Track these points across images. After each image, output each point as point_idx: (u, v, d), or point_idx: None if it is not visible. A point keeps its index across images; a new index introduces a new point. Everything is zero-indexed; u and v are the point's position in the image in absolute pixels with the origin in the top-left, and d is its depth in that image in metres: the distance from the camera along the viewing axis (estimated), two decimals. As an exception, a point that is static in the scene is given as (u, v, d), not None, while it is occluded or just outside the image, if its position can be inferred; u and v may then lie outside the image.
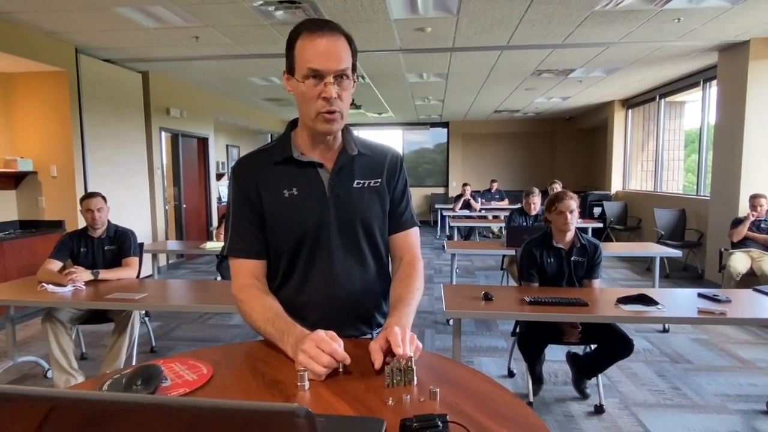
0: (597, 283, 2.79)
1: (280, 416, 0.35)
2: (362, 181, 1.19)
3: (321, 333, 0.93)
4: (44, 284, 2.83)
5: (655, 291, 2.67)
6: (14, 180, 5.06)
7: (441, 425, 0.66)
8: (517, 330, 2.87)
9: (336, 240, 1.16)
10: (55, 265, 3.05)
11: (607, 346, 2.59)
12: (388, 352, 0.92)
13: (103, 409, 0.49)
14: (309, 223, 1.14)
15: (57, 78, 4.92)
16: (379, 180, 1.21)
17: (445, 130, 12.35)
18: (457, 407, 0.77)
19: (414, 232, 1.29)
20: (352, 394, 0.82)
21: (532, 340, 2.68)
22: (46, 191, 5.07)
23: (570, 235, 2.72)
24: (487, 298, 2.55)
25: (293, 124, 1.20)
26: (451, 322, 4.13)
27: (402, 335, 0.93)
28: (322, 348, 0.90)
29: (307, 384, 0.82)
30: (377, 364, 0.91)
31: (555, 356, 3.26)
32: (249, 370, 0.94)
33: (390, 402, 0.79)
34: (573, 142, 11.70)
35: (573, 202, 2.67)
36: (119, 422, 0.48)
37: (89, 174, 5.19)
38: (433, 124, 12.33)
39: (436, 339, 3.93)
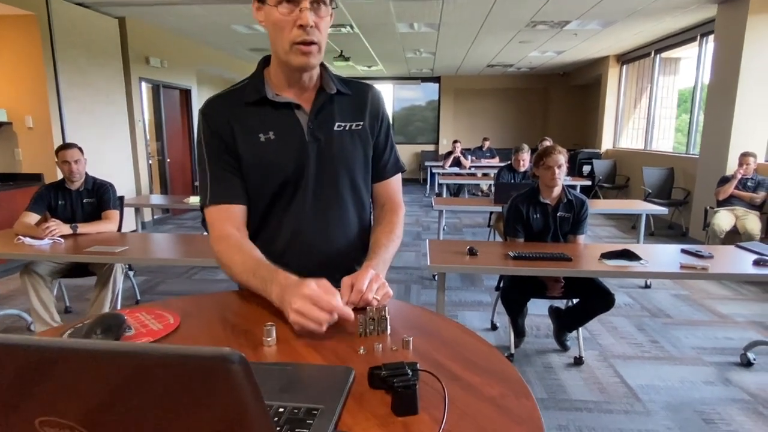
0: (582, 239, 2.79)
1: (210, 362, 0.31)
2: (344, 124, 1.12)
3: (313, 287, 0.82)
4: (21, 237, 2.76)
5: (640, 247, 2.68)
6: (-12, 131, 4.87)
7: (410, 373, 0.63)
8: (501, 284, 2.89)
9: (316, 188, 1.11)
10: (32, 217, 2.97)
11: (589, 300, 2.62)
12: (363, 304, 0.89)
13: (41, 356, 0.46)
14: (287, 171, 1.08)
15: (26, 22, 4.65)
16: (361, 123, 1.15)
17: (437, 85, 12.07)
18: (430, 356, 0.75)
19: (397, 179, 1.24)
20: (323, 344, 0.79)
21: (515, 294, 2.70)
22: (23, 143, 4.90)
23: (557, 191, 2.69)
24: (472, 253, 2.54)
25: (265, 62, 1.12)
26: (436, 277, 4.16)
27: (373, 279, 0.90)
28: (321, 306, 0.80)
29: (273, 339, 0.79)
30: (343, 300, 0.87)
31: (537, 310, 3.31)
32: (218, 320, 0.90)
33: (361, 351, 0.76)
34: (566, 99, 11.53)
35: (561, 157, 2.63)
36: (60, 369, 0.45)
37: (67, 125, 5.00)
38: (425, 79, 12.04)
39: (421, 294, 3.96)
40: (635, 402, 2.39)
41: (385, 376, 0.63)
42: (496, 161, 9.02)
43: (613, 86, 9.01)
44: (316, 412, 0.57)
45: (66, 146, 3.05)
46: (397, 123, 12.36)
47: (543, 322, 3.29)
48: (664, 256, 2.61)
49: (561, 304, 3.02)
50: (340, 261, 1.16)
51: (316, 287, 0.82)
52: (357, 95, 1.16)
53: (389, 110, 13.22)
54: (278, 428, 0.54)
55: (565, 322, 2.84)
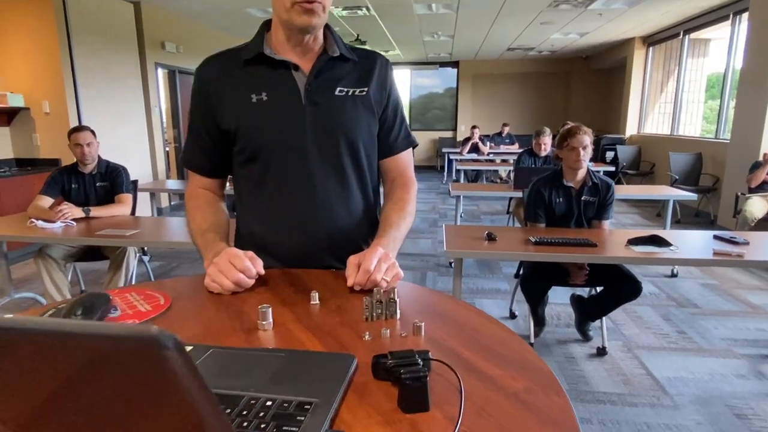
0: (607, 224, 2.66)
1: (136, 345, 0.22)
2: (346, 89, 1.03)
3: (235, 250, 0.89)
4: (33, 220, 2.74)
5: (668, 233, 2.54)
6: (6, 116, 4.90)
7: (420, 363, 0.54)
8: (521, 272, 2.78)
9: (315, 158, 1.02)
10: (46, 201, 2.96)
11: (615, 288, 2.49)
12: (370, 286, 0.81)
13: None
14: (280, 135, 0.99)
15: (42, 6, 4.64)
16: (366, 89, 1.05)
17: (455, 70, 11.83)
18: (444, 343, 0.66)
19: (408, 154, 1.15)
20: (324, 329, 0.71)
21: (536, 282, 2.59)
22: (40, 128, 4.93)
23: (581, 174, 2.56)
24: (491, 238, 2.44)
25: (267, 25, 1.03)
26: (452, 264, 4.06)
27: (381, 258, 0.82)
28: (234, 264, 0.85)
29: (269, 323, 0.71)
30: (349, 281, 0.83)
31: (558, 298, 3.19)
32: (212, 301, 0.83)
33: (367, 337, 0.68)
34: (588, 84, 11.18)
35: (586, 137, 2.49)
36: (20, 349, 0.38)
37: (83, 110, 5.00)
38: (443, 64, 11.80)
39: (437, 281, 3.87)
40: (662, 395, 2.27)
41: (392, 366, 0.55)
42: (515, 147, 8.80)
43: (639, 69, 8.68)
44: (309, 406, 0.49)
45: (78, 129, 3.02)
46: (414, 110, 12.18)
47: (564, 310, 3.17)
48: (695, 242, 2.47)
49: (583, 292, 2.89)
50: (344, 240, 1.07)
51: (240, 252, 0.87)
52: (363, 61, 1.07)
53: (405, 97, 13.00)
54: (263, 425, 0.46)
55: (587, 311, 2.72)
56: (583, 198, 2.59)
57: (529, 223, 2.71)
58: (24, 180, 4.54)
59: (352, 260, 0.85)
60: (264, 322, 0.70)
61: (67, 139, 3.04)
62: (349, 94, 1.03)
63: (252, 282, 0.86)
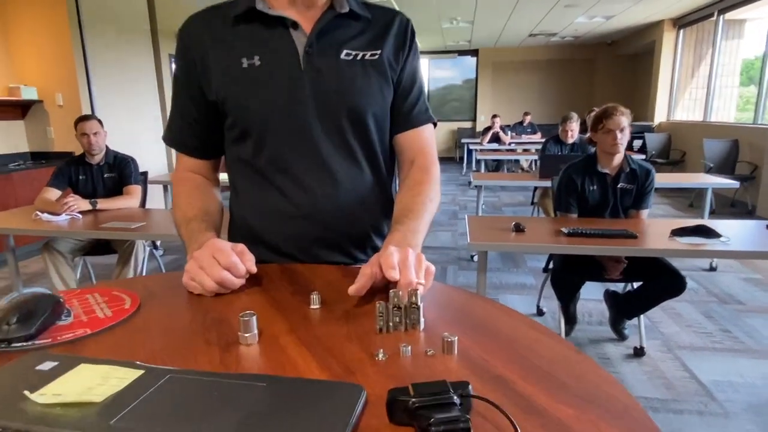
0: (645, 214, 2.44)
1: None
2: (354, 52, 0.85)
3: (220, 242, 0.72)
4: (39, 213, 2.65)
5: (713, 223, 2.30)
6: (21, 109, 4.86)
7: (458, 402, 0.37)
8: (551, 266, 2.58)
9: (315, 131, 0.85)
10: (53, 193, 2.87)
11: (655, 283, 2.28)
12: (384, 283, 0.64)
13: None
14: (274, 107, 0.83)
15: (53, -4, 4.56)
16: (379, 52, 0.87)
17: (474, 59, 11.52)
18: (486, 367, 0.49)
19: (428, 130, 0.95)
20: (325, 344, 0.54)
21: (568, 277, 2.38)
22: (54, 121, 4.87)
23: (618, 159, 2.34)
24: (518, 229, 2.24)
25: None
26: (476, 258, 3.87)
27: (403, 256, 0.64)
28: (218, 259, 0.68)
29: (252, 336, 0.54)
30: (351, 289, 0.64)
31: (590, 294, 2.98)
32: (188, 304, 0.67)
33: (380, 356, 0.51)
34: (614, 70, 10.76)
35: (624, 119, 2.27)
36: None
37: (96, 102, 4.93)
38: (462, 52, 11.50)
39: (459, 276, 3.68)
40: (710, 401, 2.05)
41: (417, 407, 0.38)
42: (537, 137, 8.49)
43: (668, 53, 8.28)
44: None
45: (84, 118, 2.92)
46: (431, 103, 11.91)
47: (595, 307, 2.96)
48: (746, 233, 2.23)
49: (617, 287, 2.68)
50: (352, 230, 0.90)
51: (225, 244, 0.70)
52: (379, 19, 0.89)
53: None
54: None
55: (623, 308, 2.51)
56: (619, 185, 2.38)
57: (560, 213, 2.51)
58: (38, 173, 4.49)
59: (365, 270, 0.65)
60: (246, 335, 0.53)
61: (74, 128, 2.94)
62: (358, 58, 0.85)
63: (240, 282, 0.70)
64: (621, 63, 10.63)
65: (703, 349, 2.49)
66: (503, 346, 0.53)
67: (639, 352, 2.43)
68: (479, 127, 10.87)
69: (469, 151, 8.80)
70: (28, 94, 4.66)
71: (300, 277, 0.76)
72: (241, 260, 0.69)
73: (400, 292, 0.57)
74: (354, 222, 0.90)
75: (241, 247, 0.72)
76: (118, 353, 0.53)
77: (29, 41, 4.70)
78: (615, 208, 2.42)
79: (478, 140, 8.36)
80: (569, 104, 11.12)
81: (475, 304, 0.65)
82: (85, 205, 2.74)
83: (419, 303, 0.57)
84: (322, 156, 0.85)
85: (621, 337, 2.58)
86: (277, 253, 0.89)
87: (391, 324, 0.57)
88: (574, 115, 4.18)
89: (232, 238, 0.94)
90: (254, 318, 0.54)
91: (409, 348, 0.52)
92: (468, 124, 11.82)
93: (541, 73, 11.33)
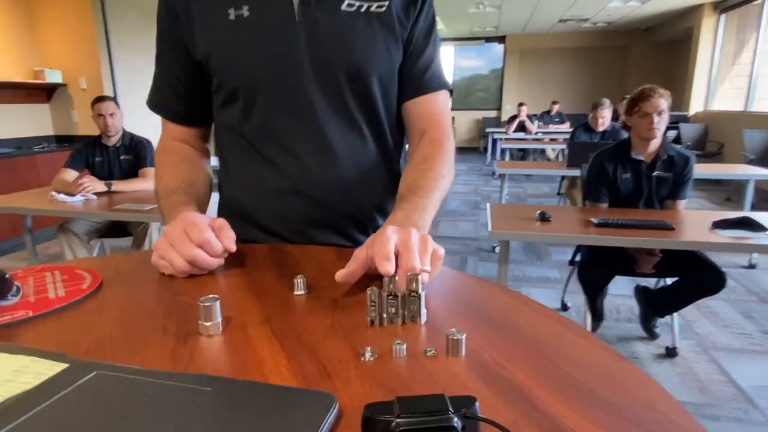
0: (683, 204, 2.27)
1: None
2: (358, 3, 0.73)
3: (195, 214, 0.62)
4: (54, 193, 2.63)
5: (757, 216, 2.12)
6: (46, 93, 4.91)
7: (459, 427, 0.27)
8: (577, 258, 2.43)
9: (311, 94, 0.74)
10: (70, 174, 2.86)
11: (692, 279, 2.11)
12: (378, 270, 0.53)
13: None
14: (265, 65, 0.73)
15: (76, -21, 4.56)
16: (386, 3, 0.75)
17: (502, 46, 11.20)
18: (503, 375, 0.38)
19: (443, 97, 0.83)
20: (303, 338, 0.44)
21: (597, 271, 2.23)
22: (78, 105, 4.91)
23: (655, 145, 2.17)
24: (544, 218, 2.11)
25: None
26: (497, 249, 3.73)
27: (404, 238, 0.53)
28: (190, 235, 0.58)
29: (214, 326, 0.45)
30: (339, 274, 0.54)
31: (617, 289, 2.83)
32: (155, 285, 0.58)
33: (367, 356, 0.40)
34: (649, 58, 10.30)
35: (662, 101, 2.10)
36: None
37: (119, 86, 4.94)
38: (488, 39, 11.20)
39: (479, 267, 3.55)
40: (750, 408, 1.90)
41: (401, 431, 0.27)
42: (566, 127, 8.21)
43: (707, 40, 7.86)
44: None
45: (100, 99, 2.89)
46: (457, 92, 11.68)
47: (623, 303, 2.80)
48: (796, 227, 2.04)
49: (648, 282, 2.52)
50: (352, 208, 0.80)
51: (199, 218, 0.61)
52: None
53: (449, 78, 12.18)
54: None
55: (655, 305, 2.34)
56: (654, 174, 2.21)
57: (589, 202, 2.36)
58: (62, 156, 4.51)
59: (358, 254, 0.55)
60: (207, 324, 0.44)
61: (91, 109, 2.92)
62: (362, 9, 0.74)
63: (217, 262, 0.60)
64: (656, 50, 10.17)
65: (742, 352, 2.32)
66: (524, 348, 0.42)
67: (671, 353, 2.28)
68: (504, 117, 10.59)
69: (494, 141, 8.57)
70: (53, 77, 4.70)
71: (289, 259, 0.66)
72: (218, 237, 0.59)
73: (397, 278, 0.46)
74: (354, 199, 0.79)
75: (221, 221, 0.62)
76: (56, 341, 0.44)
77: (54, 25, 4.73)
78: (649, 198, 2.25)
79: (503, 129, 8.13)
80: (600, 93, 10.64)
81: (491, 294, 0.54)
82: (100, 186, 2.72)
83: (420, 292, 0.46)
84: (318, 122, 0.75)
85: (652, 335, 2.43)
86: (269, 234, 0.79)
87: (385, 316, 0.46)
88: (606, 102, 3.96)
89: (224, 215, 0.85)
90: (217, 303, 0.44)
91: (405, 346, 0.41)
92: (493, 114, 11.54)
93: (570, 60, 10.94)
